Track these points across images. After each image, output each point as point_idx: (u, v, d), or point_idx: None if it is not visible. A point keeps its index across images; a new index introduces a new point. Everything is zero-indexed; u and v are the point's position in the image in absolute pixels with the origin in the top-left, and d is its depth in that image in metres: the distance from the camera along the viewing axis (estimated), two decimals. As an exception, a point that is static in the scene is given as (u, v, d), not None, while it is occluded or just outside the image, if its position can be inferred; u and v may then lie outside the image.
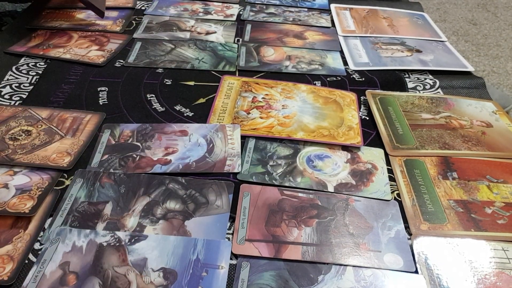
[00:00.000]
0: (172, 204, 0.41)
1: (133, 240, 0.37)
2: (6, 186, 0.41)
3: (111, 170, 0.44)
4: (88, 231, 0.38)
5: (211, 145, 0.48)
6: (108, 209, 0.40)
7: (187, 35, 0.71)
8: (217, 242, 0.37)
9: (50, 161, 0.44)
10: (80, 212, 0.40)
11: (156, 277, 0.35)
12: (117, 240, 0.37)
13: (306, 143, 0.50)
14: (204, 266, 0.36)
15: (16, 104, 0.53)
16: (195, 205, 0.41)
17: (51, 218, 0.39)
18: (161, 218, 0.40)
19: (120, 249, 0.36)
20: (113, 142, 0.48)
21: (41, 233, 0.37)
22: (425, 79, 0.65)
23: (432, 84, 0.63)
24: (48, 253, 0.36)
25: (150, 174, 0.44)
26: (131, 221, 0.39)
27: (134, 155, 0.46)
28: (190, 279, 0.35)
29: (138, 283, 0.34)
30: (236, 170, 0.45)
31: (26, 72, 0.59)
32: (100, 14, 0.70)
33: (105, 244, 0.37)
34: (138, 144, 0.48)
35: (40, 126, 0.49)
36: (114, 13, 0.75)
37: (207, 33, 0.72)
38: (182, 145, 0.48)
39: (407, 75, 0.65)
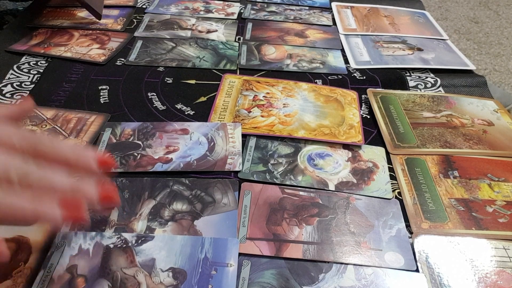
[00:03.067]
0: (179, 206, 0.41)
1: (140, 241, 0.37)
2: None
3: (112, 169, 0.44)
4: (93, 233, 0.37)
5: (212, 143, 0.48)
6: (114, 215, 0.40)
7: (188, 33, 0.71)
8: (225, 240, 0.37)
9: None
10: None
11: (165, 277, 0.35)
12: (123, 241, 0.37)
13: (307, 141, 0.50)
14: (213, 264, 0.36)
15: (17, 103, 0.53)
16: (202, 204, 0.41)
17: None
18: (169, 220, 0.40)
19: (127, 251, 0.36)
20: (114, 141, 0.48)
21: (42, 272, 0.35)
22: (426, 77, 0.64)
23: (433, 82, 0.63)
24: (55, 257, 0.35)
25: (152, 176, 0.44)
26: (140, 225, 0.39)
27: (135, 154, 0.46)
28: (200, 278, 0.35)
29: (148, 283, 0.34)
30: (237, 169, 0.45)
31: (27, 70, 0.59)
32: (97, 17, 0.70)
33: (111, 246, 0.37)
34: (139, 142, 0.48)
35: (44, 126, 0.49)
36: (115, 12, 0.75)
37: (208, 32, 0.72)
38: (183, 143, 0.48)
39: (408, 74, 0.65)
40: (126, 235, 0.37)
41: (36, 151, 0.31)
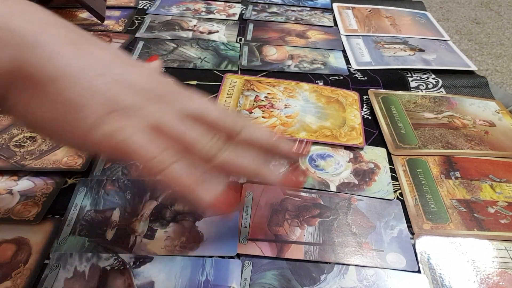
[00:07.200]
0: (180, 206, 0.41)
1: (138, 263, 0.36)
2: (10, 192, 0.41)
3: (114, 178, 0.44)
4: (89, 254, 0.36)
5: None
6: (116, 215, 0.40)
7: (190, 34, 0.71)
8: (226, 261, 0.37)
9: (63, 164, 0.44)
10: (87, 220, 0.39)
11: None
12: (121, 263, 0.36)
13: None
14: (214, 287, 0.35)
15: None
16: None
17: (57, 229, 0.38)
18: (171, 221, 0.40)
19: (125, 273, 0.35)
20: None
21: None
22: (428, 78, 0.64)
23: (434, 83, 0.63)
24: (49, 281, 0.34)
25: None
26: (141, 226, 0.39)
27: (138, 163, 0.45)
28: None
29: None
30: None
31: (29, 71, 0.59)
32: (101, 19, 0.70)
33: (108, 268, 0.35)
34: None
35: None
36: (116, 13, 0.75)
37: (210, 33, 0.72)
38: None
39: (409, 74, 0.65)
40: (124, 256, 0.36)
41: (231, 133, 0.33)
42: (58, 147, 0.46)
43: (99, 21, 0.71)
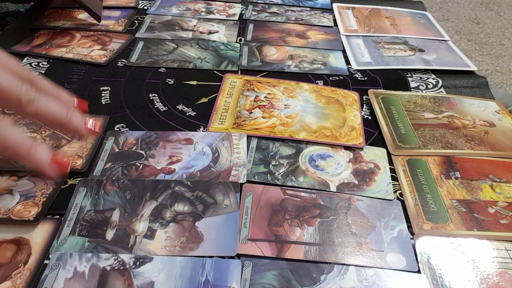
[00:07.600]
0: (180, 207, 0.41)
1: (138, 263, 0.36)
2: (10, 192, 0.41)
3: (114, 178, 0.44)
4: (89, 254, 0.36)
5: (217, 154, 0.48)
6: (116, 215, 0.40)
7: (190, 34, 0.71)
8: (226, 261, 0.37)
9: None
10: (87, 220, 0.39)
11: None
12: (121, 263, 0.36)
13: (308, 142, 0.50)
14: (214, 287, 0.35)
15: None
16: (203, 206, 0.41)
17: (57, 231, 0.38)
18: (171, 221, 0.40)
19: (125, 273, 0.35)
20: (117, 150, 0.47)
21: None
22: (428, 78, 0.64)
23: (434, 83, 0.63)
24: (49, 281, 0.34)
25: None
26: (141, 226, 0.39)
27: (138, 164, 0.46)
28: None
29: None
30: (241, 181, 0.44)
31: (29, 71, 0.59)
32: (97, 19, 0.70)
33: (108, 268, 0.35)
34: (142, 152, 0.47)
35: (44, 132, 0.48)
36: (116, 13, 0.75)
37: (210, 33, 0.72)
38: (187, 153, 0.47)
39: (409, 75, 0.65)
40: (124, 257, 0.36)
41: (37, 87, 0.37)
42: (58, 147, 0.46)
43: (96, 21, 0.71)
